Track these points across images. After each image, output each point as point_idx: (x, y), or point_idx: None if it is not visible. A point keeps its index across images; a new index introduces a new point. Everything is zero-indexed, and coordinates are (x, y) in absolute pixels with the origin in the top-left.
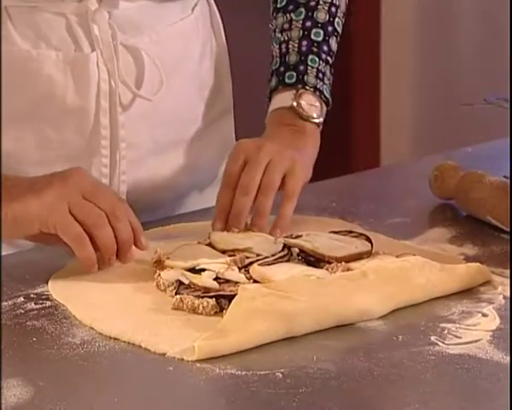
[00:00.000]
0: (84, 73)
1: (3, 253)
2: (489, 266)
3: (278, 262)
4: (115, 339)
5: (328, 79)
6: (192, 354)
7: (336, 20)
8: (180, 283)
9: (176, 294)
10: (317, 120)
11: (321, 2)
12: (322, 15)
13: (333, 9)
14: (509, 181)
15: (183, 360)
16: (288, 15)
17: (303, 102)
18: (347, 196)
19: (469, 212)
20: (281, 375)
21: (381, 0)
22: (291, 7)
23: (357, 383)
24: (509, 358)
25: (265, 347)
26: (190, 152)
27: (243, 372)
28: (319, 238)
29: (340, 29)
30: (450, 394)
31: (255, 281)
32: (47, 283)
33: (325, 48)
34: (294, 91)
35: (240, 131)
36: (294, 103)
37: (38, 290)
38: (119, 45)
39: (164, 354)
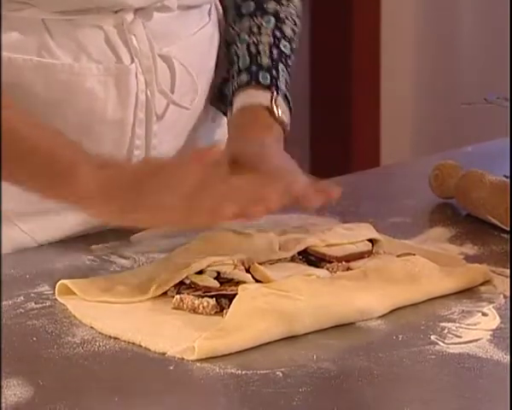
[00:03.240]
0: (125, 84)
1: (3, 253)
2: (489, 266)
3: (279, 262)
4: (115, 338)
5: (290, 92)
6: (192, 353)
7: (296, 40)
8: (181, 282)
9: (176, 293)
10: (287, 127)
11: (289, 18)
12: (288, 31)
13: (296, 29)
14: (509, 180)
15: (183, 359)
16: (256, 20)
17: (279, 106)
18: (347, 195)
19: (469, 211)
20: (281, 374)
21: (381, 0)
22: (259, 13)
23: (357, 382)
24: (509, 357)
25: (266, 346)
26: None
27: (243, 372)
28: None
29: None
30: (451, 393)
31: (256, 280)
32: (47, 282)
33: (289, 62)
34: (271, 93)
35: None
36: (273, 105)
37: (38, 290)
38: (156, 55)
39: (164, 354)
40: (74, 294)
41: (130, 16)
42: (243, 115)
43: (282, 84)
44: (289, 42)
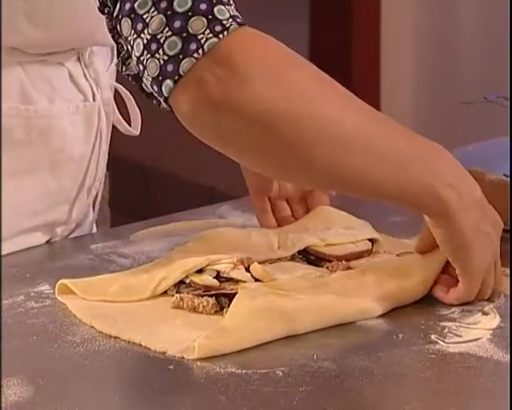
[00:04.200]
0: (91, 121)
1: (3, 253)
2: None
3: (279, 261)
4: (115, 338)
5: None
6: (192, 352)
7: None
8: (181, 281)
9: (176, 292)
10: None
11: None
12: None
13: None
14: (509, 179)
15: (183, 358)
16: None
17: None
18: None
19: None
20: (281, 373)
21: (381, 0)
22: None
23: (357, 381)
24: (509, 356)
25: (266, 345)
26: None
27: (243, 371)
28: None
29: None
30: (451, 392)
31: (256, 279)
32: (47, 281)
33: None
34: None
35: None
36: None
37: (38, 289)
38: (113, 87)
39: (164, 353)
40: (74, 293)
41: (87, 50)
42: None
43: None
44: None
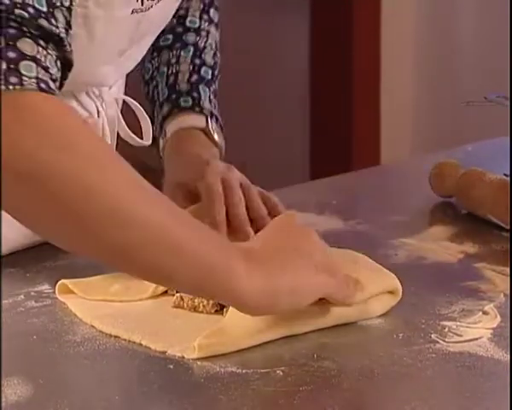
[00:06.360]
0: None
1: (3, 253)
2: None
3: None
4: (116, 337)
5: (219, 113)
6: (192, 352)
7: (218, 68)
8: None
9: (176, 292)
10: (222, 150)
11: (208, 48)
12: (208, 59)
13: (216, 58)
14: (509, 179)
15: (183, 358)
16: (175, 52)
17: (214, 129)
18: (347, 193)
19: (469, 210)
20: (281, 373)
21: (381, 0)
22: (178, 44)
23: (357, 380)
24: (509, 356)
25: (266, 345)
26: None
27: (244, 370)
28: None
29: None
30: (451, 392)
31: None
32: (47, 281)
33: (213, 87)
34: (204, 117)
35: None
36: (208, 128)
37: (39, 288)
38: (120, 101)
39: (164, 352)
40: (75, 292)
41: None
42: (178, 137)
43: (206, 103)
44: (211, 68)
